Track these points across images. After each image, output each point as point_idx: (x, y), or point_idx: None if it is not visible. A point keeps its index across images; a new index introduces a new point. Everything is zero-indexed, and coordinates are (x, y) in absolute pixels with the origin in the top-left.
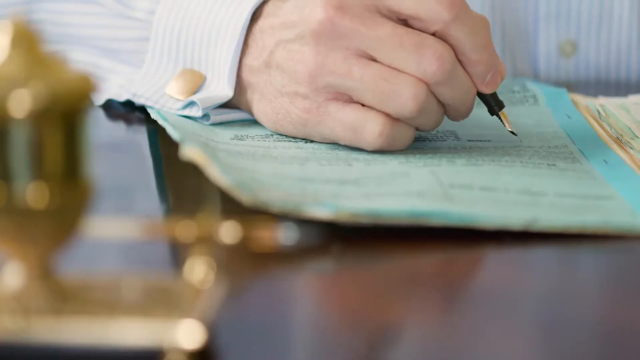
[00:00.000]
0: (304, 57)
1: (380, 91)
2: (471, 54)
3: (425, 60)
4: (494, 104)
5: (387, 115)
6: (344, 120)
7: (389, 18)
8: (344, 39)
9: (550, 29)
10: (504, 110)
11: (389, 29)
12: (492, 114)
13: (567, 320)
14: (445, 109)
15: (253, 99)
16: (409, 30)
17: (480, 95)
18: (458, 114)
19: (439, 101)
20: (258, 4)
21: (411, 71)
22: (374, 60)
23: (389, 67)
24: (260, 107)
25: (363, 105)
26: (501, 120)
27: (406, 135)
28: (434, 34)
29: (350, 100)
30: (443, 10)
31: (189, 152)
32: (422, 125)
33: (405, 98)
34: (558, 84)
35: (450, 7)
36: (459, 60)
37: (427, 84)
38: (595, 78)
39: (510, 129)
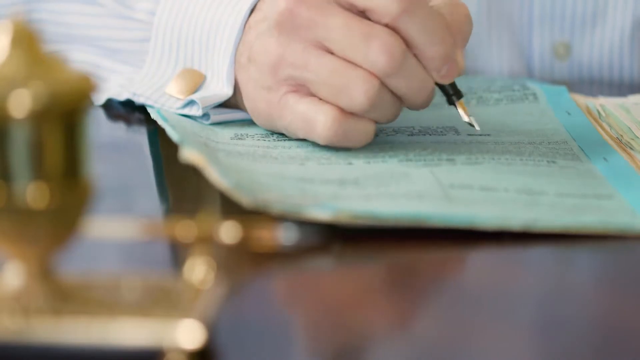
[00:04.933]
0: (268, 48)
1: (333, 85)
2: (424, 48)
3: (373, 51)
4: (451, 93)
5: (341, 109)
6: (299, 112)
7: (348, 10)
8: (303, 30)
9: (544, 31)
10: (462, 100)
11: (341, 19)
12: (449, 104)
13: (567, 320)
14: (401, 100)
15: (242, 96)
16: (362, 21)
17: (438, 84)
18: (415, 104)
19: (393, 93)
20: (256, 1)
21: (361, 62)
22: (331, 52)
23: (344, 59)
24: (246, 105)
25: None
26: (457, 111)
27: (363, 129)
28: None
29: (309, 93)
30: (392, 3)
31: (188, 154)
32: (378, 118)
33: (356, 92)
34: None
35: (400, 0)
36: (414, 54)
37: (378, 78)
38: (589, 80)
39: (467, 120)
